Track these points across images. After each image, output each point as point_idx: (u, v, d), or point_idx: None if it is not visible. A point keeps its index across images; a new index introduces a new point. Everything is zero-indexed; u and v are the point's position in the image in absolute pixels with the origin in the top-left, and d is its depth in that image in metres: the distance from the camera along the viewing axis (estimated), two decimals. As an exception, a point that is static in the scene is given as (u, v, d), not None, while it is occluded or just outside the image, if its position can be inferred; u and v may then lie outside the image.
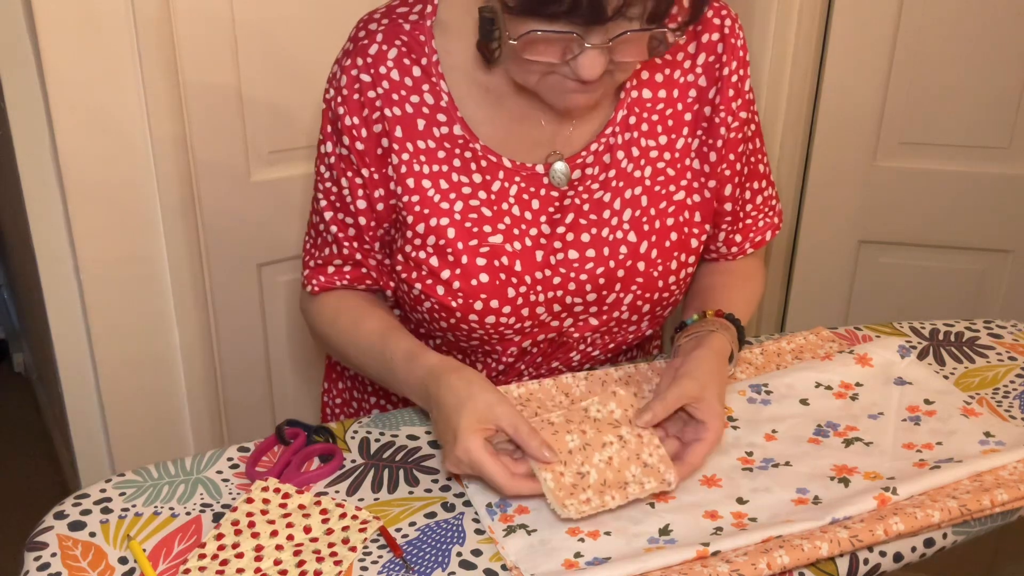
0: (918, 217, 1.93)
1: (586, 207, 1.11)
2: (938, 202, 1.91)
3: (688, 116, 1.13)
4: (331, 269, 1.17)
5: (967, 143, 1.86)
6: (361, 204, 1.12)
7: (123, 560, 0.90)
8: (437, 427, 1.00)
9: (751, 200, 1.21)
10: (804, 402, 1.13)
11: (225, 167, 1.68)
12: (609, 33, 0.92)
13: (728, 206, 1.18)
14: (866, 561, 0.90)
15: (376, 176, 1.10)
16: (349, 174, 1.11)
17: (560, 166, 1.10)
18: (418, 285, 1.10)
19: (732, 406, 1.12)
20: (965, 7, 1.76)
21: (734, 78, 1.12)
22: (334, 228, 1.15)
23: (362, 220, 1.13)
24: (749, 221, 1.22)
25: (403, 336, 1.10)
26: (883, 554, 0.91)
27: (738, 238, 1.22)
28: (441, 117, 1.08)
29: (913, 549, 0.93)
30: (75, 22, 1.46)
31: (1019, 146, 1.84)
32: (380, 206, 1.12)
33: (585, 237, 1.11)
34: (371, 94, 1.07)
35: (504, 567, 0.90)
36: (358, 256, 1.16)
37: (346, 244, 1.15)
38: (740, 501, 0.97)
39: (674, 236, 1.13)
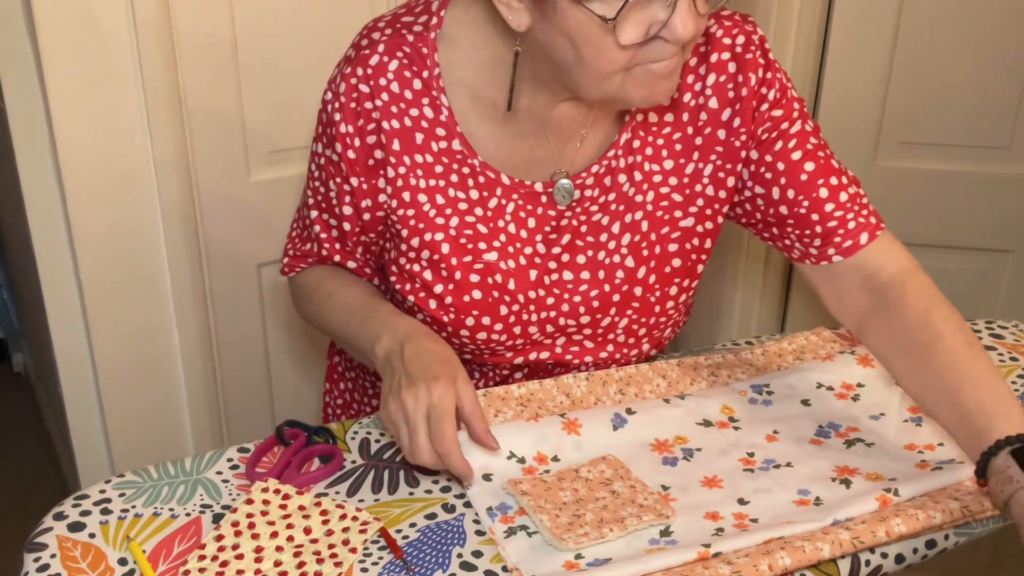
0: (918, 217, 1.93)
1: (583, 229, 1.11)
2: (938, 202, 1.91)
3: (699, 140, 1.10)
4: (311, 260, 1.20)
5: (967, 143, 1.86)
6: (347, 211, 1.11)
7: (123, 561, 0.90)
8: (411, 364, 0.98)
9: (831, 199, 1.09)
10: (805, 403, 1.13)
11: (225, 167, 1.68)
12: None
13: (784, 209, 1.10)
14: (868, 562, 0.90)
15: (365, 186, 1.09)
16: (338, 179, 1.10)
17: (565, 183, 1.09)
18: (411, 297, 1.10)
19: (733, 406, 1.12)
20: (965, 7, 1.76)
21: (763, 89, 1.07)
22: (317, 228, 1.15)
23: (346, 226, 1.13)
24: (833, 223, 1.09)
25: (391, 304, 1.13)
26: (885, 555, 0.91)
27: (818, 242, 1.11)
28: (440, 131, 1.07)
29: (915, 550, 0.92)
30: (75, 22, 1.46)
31: (1019, 146, 1.84)
32: (367, 216, 1.11)
33: (581, 259, 1.10)
34: (368, 105, 1.06)
35: (505, 568, 0.90)
36: (337, 258, 1.17)
37: (327, 246, 1.16)
38: (741, 502, 0.97)
39: (677, 262, 1.12)
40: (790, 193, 1.10)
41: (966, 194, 1.89)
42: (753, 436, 1.07)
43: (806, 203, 1.09)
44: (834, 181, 1.10)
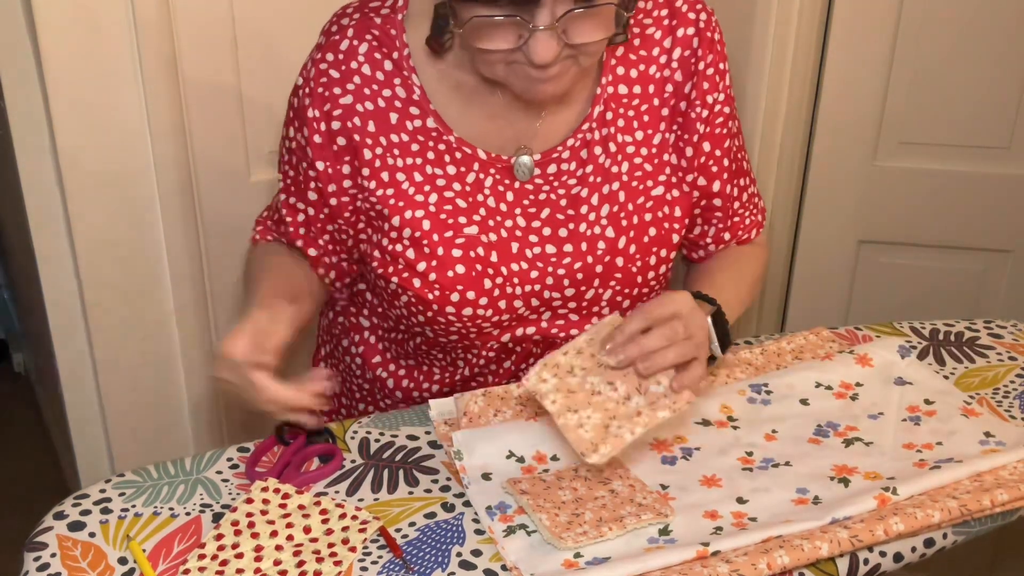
0: (918, 217, 1.93)
1: (563, 202, 1.12)
2: (938, 202, 1.91)
3: (665, 111, 1.14)
4: (277, 236, 1.22)
5: (967, 143, 1.86)
6: (312, 196, 1.14)
7: (123, 560, 0.90)
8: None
9: (738, 197, 1.21)
10: (804, 402, 1.13)
11: (225, 167, 1.68)
12: (555, 13, 0.93)
13: (718, 202, 1.19)
14: (866, 561, 0.90)
15: (331, 171, 1.11)
16: (304, 164, 1.12)
17: (524, 159, 1.11)
18: (395, 279, 1.10)
19: (732, 406, 1.12)
20: (965, 7, 1.76)
21: (710, 71, 1.12)
22: (284, 211, 1.18)
23: (311, 211, 1.15)
24: (736, 219, 1.23)
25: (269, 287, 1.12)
26: (883, 554, 0.91)
27: (727, 236, 1.23)
28: (414, 110, 1.09)
29: (913, 549, 0.93)
30: (75, 22, 1.46)
31: (1019, 146, 1.84)
32: (333, 201, 1.13)
33: (563, 232, 1.11)
34: (337, 91, 1.08)
35: (504, 567, 0.90)
36: (299, 243, 1.18)
37: (291, 230, 1.18)
38: (740, 501, 0.97)
39: (652, 231, 1.13)
40: (728, 188, 1.19)
41: (966, 194, 1.89)
42: (752, 435, 1.08)
43: (735, 200, 1.22)
44: (748, 180, 1.23)
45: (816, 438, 1.07)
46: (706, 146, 1.14)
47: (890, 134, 1.88)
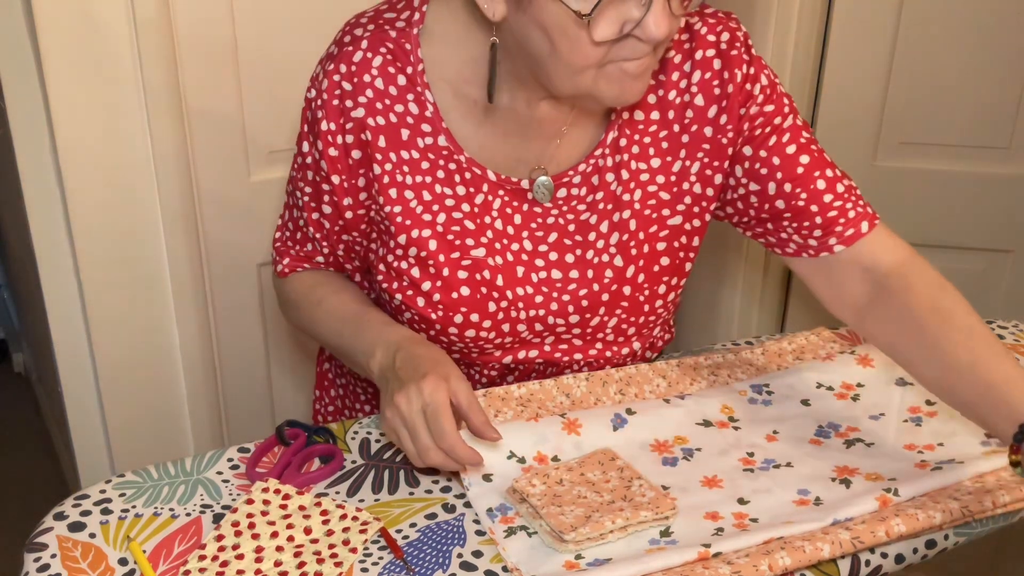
0: (918, 217, 1.93)
1: (571, 228, 1.10)
2: (938, 202, 1.91)
3: (685, 138, 1.09)
4: (318, 261, 1.20)
5: (967, 143, 1.86)
6: (327, 209, 1.12)
7: (123, 561, 0.90)
8: (402, 370, 0.99)
9: (828, 190, 1.09)
10: (805, 403, 1.13)
11: (225, 167, 1.68)
12: None
13: (780, 204, 1.10)
14: (867, 562, 0.90)
15: (346, 185, 1.09)
16: (318, 177, 1.11)
17: (544, 180, 1.09)
18: (399, 296, 1.10)
19: (733, 406, 1.12)
20: (965, 7, 1.76)
21: (747, 85, 1.07)
22: (311, 229, 1.16)
23: (326, 224, 1.14)
24: (833, 213, 1.09)
25: (381, 312, 1.14)
26: (884, 555, 0.91)
27: (818, 233, 1.10)
28: (426, 127, 1.07)
29: (915, 550, 0.93)
30: (75, 22, 1.46)
31: (1019, 146, 1.84)
32: (348, 214, 1.11)
33: (569, 258, 1.10)
34: (349, 103, 1.06)
35: (505, 568, 0.90)
36: (319, 259, 1.18)
37: (325, 243, 1.16)
38: (741, 502, 0.97)
39: (665, 261, 1.12)
40: (787, 187, 1.09)
41: (966, 194, 1.89)
42: (753, 436, 1.08)
43: (804, 195, 1.09)
44: (829, 173, 1.10)
45: (817, 439, 1.07)
46: (762, 153, 1.09)
47: (890, 134, 1.88)
